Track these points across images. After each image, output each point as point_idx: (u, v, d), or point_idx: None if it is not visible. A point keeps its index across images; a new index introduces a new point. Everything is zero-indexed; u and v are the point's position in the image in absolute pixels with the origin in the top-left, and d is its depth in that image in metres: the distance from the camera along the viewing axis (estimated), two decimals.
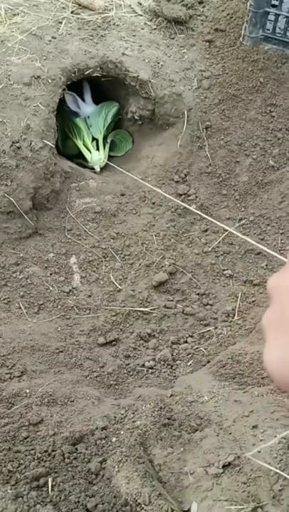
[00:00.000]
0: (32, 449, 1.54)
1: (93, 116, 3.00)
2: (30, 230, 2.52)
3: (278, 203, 2.62)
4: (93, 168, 2.91)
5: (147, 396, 1.73)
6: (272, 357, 0.55)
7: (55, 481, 1.46)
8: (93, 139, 2.97)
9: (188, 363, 2.07)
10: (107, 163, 2.94)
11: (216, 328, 2.20)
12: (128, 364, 2.07)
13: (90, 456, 1.53)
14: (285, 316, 0.54)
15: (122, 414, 1.66)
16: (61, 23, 2.79)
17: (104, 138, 2.99)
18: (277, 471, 1.37)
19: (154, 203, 2.76)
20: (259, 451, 1.43)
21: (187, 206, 2.38)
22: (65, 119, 2.95)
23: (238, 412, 1.60)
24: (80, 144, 2.92)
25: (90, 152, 2.91)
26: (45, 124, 2.54)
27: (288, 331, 0.53)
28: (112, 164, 2.91)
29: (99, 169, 2.90)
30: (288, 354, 0.53)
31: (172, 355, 2.10)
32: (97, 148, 2.95)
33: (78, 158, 2.98)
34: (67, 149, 2.97)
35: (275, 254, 1.84)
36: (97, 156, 2.91)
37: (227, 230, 2.59)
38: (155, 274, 2.41)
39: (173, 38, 2.94)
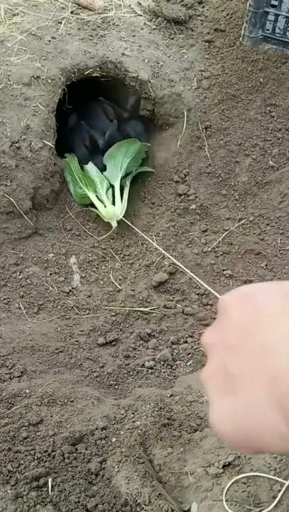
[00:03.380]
0: (32, 449, 1.54)
1: (109, 158, 2.67)
2: (30, 230, 2.52)
3: (278, 203, 2.62)
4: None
5: (147, 396, 1.73)
6: (219, 418, 0.51)
7: (55, 481, 1.46)
8: (110, 185, 2.65)
9: (188, 363, 2.07)
10: (122, 220, 2.60)
11: None
12: (128, 364, 2.07)
13: (90, 456, 1.53)
14: (228, 373, 0.51)
15: (122, 414, 1.66)
16: (61, 23, 2.79)
17: (123, 181, 2.68)
18: (272, 477, 1.37)
19: (153, 203, 2.76)
20: None
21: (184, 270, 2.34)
22: (72, 161, 2.66)
23: None
24: (92, 196, 2.61)
25: (105, 206, 2.59)
26: (45, 124, 2.54)
27: (231, 388, 0.50)
28: (127, 222, 2.60)
29: (116, 224, 2.57)
30: (236, 415, 0.50)
31: (172, 355, 2.10)
32: (113, 200, 2.61)
33: (94, 207, 2.65)
34: (80, 199, 2.66)
35: (214, 292, 1.84)
36: (111, 212, 2.56)
37: (227, 230, 2.60)
38: (155, 274, 2.41)
39: (172, 38, 2.94)
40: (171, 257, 2.34)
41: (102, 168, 2.70)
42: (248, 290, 0.54)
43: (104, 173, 2.67)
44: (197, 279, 2.08)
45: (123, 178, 2.70)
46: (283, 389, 0.45)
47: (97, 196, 2.62)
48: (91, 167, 2.67)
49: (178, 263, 2.25)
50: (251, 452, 0.52)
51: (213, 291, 1.81)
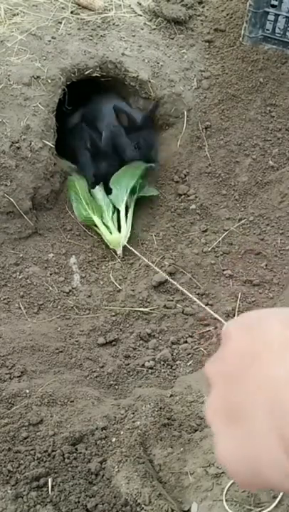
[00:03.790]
0: (32, 449, 1.54)
1: (115, 182, 2.62)
2: (30, 230, 2.52)
3: (278, 203, 2.62)
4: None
5: (147, 396, 1.73)
6: (224, 451, 0.50)
7: (55, 481, 1.46)
8: (114, 209, 2.61)
9: (188, 363, 2.07)
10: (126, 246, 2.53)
11: (215, 328, 2.20)
12: (128, 364, 2.07)
13: (90, 456, 1.53)
14: (230, 404, 0.49)
15: (122, 414, 1.66)
16: (61, 23, 2.79)
17: (127, 201, 2.63)
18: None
19: (154, 203, 2.76)
20: None
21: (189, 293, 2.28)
22: (81, 183, 2.64)
23: None
24: (98, 221, 2.55)
25: (111, 232, 2.52)
26: (45, 124, 2.54)
27: (234, 420, 0.49)
28: (131, 248, 2.50)
29: (120, 252, 2.51)
30: (239, 448, 0.48)
31: (172, 355, 2.10)
32: (119, 227, 2.55)
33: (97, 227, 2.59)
34: (84, 219, 2.60)
35: (219, 318, 1.82)
36: (117, 240, 2.49)
37: (228, 230, 2.60)
38: (155, 274, 2.41)
39: (172, 38, 2.94)
40: (172, 280, 2.32)
41: (104, 176, 2.64)
42: (252, 319, 0.53)
43: (109, 196, 2.61)
44: (202, 304, 2.06)
45: (128, 200, 2.65)
46: (285, 423, 0.44)
47: (103, 222, 2.56)
48: (97, 191, 2.63)
49: (185, 291, 2.22)
50: (255, 488, 0.50)
51: (216, 316, 1.79)
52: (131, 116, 2.71)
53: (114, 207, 2.60)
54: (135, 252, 2.47)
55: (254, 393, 0.47)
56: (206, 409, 0.54)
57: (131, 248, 2.50)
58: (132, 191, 2.64)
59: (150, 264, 2.38)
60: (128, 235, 2.55)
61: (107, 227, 2.54)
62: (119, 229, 2.56)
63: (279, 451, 0.45)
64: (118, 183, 2.62)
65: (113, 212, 2.59)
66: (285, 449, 0.44)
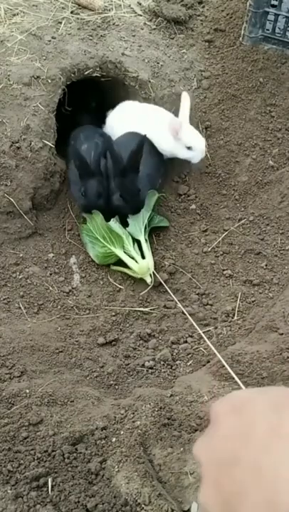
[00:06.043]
0: (32, 449, 1.54)
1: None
2: (30, 230, 2.52)
3: (278, 203, 2.62)
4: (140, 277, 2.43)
5: (147, 396, 1.73)
6: (213, 500, 0.51)
7: (55, 481, 1.45)
8: (133, 240, 2.50)
9: (188, 363, 2.07)
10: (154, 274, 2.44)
11: (215, 328, 2.20)
12: (128, 364, 2.07)
13: (90, 456, 1.53)
14: (224, 493, 0.50)
15: (122, 414, 1.66)
16: (61, 23, 2.79)
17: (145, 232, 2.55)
18: None
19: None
20: None
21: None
22: (96, 218, 2.50)
23: None
24: (120, 253, 2.45)
25: (136, 261, 2.42)
26: (45, 124, 2.54)
27: (231, 508, 0.49)
28: (158, 276, 2.42)
29: (150, 279, 2.41)
30: (230, 501, 0.49)
31: (172, 355, 2.10)
32: (142, 254, 2.46)
33: (118, 265, 2.50)
34: (103, 258, 2.50)
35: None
36: (145, 266, 2.40)
37: (227, 230, 2.60)
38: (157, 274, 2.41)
39: (172, 38, 2.94)
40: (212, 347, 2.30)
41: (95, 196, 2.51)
42: (240, 400, 0.53)
43: (127, 229, 2.50)
44: (220, 357, 2.02)
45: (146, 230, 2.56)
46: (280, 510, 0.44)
47: (125, 252, 2.47)
48: (114, 224, 2.50)
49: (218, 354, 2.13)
50: None
51: (235, 376, 1.76)
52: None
53: (133, 238, 2.51)
54: (162, 281, 2.39)
55: (248, 483, 0.47)
56: (201, 497, 0.54)
57: (158, 276, 2.42)
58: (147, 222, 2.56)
59: (182, 308, 2.31)
60: (153, 264, 2.45)
61: (132, 258, 2.44)
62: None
63: None
64: (135, 216, 2.52)
65: (133, 243, 2.50)
66: None
